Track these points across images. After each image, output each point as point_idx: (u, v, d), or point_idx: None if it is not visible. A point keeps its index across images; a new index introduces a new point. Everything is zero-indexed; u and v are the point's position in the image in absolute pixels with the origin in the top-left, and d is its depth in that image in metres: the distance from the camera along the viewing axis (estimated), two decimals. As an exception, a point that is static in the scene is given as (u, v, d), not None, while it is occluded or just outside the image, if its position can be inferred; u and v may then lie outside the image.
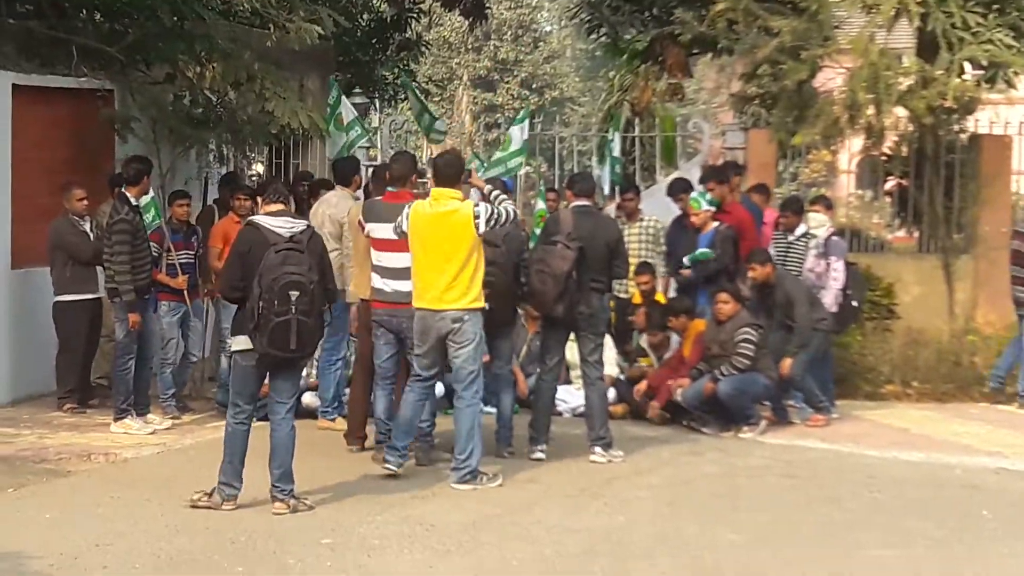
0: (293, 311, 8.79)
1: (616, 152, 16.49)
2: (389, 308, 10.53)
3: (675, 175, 16.92)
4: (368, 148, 16.84)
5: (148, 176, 12.28)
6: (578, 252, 10.61)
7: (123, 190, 12.03)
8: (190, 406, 12.86)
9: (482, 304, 10.02)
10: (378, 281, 10.57)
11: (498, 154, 16.12)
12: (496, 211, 9.97)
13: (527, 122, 16.28)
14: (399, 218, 10.11)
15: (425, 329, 10.00)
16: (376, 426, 10.93)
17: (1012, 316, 14.48)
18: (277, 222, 9.08)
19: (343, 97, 14.74)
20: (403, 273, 10.34)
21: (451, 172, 10.11)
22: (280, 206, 9.24)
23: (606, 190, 15.78)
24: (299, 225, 9.21)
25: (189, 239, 12.92)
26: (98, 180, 13.35)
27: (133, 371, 11.86)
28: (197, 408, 12.96)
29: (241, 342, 9.05)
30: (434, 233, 9.89)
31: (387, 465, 10.11)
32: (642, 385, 13.00)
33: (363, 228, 10.73)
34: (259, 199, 9.41)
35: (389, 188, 10.86)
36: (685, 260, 13.48)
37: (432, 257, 9.90)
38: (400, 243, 10.34)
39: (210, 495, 9.18)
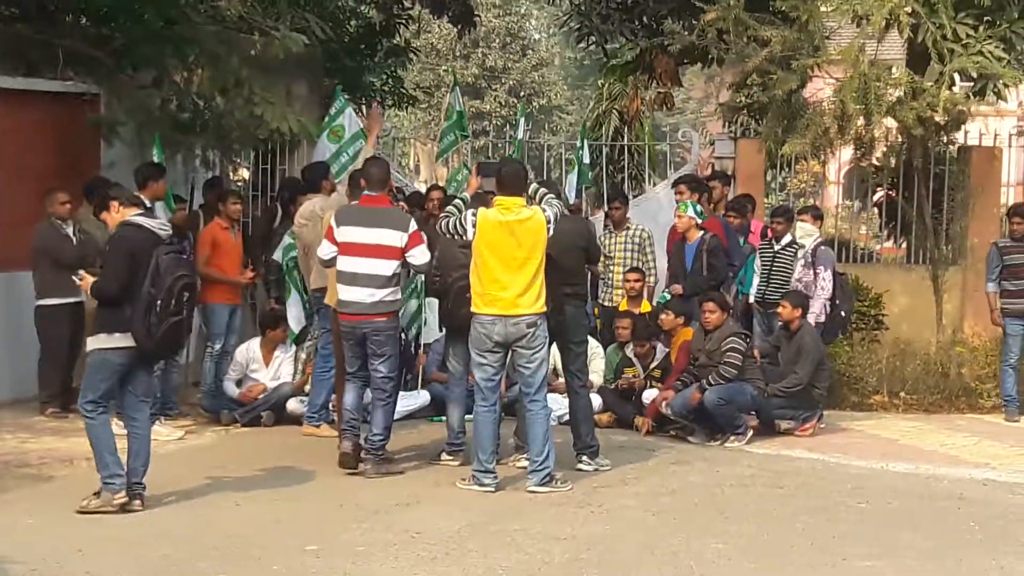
0: (184, 311, 9.06)
1: (586, 159, 16.43)
2: (352, 320, 10.50)
3: (663, 184, 16.95)
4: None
5: (155, 180, 12.23)
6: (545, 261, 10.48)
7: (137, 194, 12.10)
8: (175, 412, 12.78)
9: (546, 308, 10.18)
10: (344, 291, 10.49)
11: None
12: (556, 211, 10.22)
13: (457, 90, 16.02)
14: (455, 223, 10.23)
15: (491, 335, 10.09)
16: (342, 415, 10.82)
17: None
18: (155, 223, 9.24)
19: (349, 109, 14.55)
20: (364, 279, 10.37)
21: (517, 182, 10.26)
22: (139, 209, 9.30)
23: (571, 197, 15.68)
24: (168, 227, 9.42)
25: (182, 243, 12.88)
26: (84, 184, 13.31)
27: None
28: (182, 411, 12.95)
29: (118, 339, 9.01)
30: (507, 239, 10.05)
31: (485, 487, 10.06)
32: (667, 394, 12.83)
33: (333, 232, 10.56)
34: (114, 204, 9.28)
35: (367, 192, 10.77)
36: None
37: (506, 263, 10.04)
38: (362, 248, 10.37)
39: (98, 495, 9.17)
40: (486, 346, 10.15)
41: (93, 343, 9.13)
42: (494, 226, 10.07)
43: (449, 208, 10.63)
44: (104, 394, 9.18)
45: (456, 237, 10.37)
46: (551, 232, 10.12)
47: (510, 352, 10.24)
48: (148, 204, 11.95)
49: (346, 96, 15.85)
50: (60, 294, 12.68)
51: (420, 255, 10.50)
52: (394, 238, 10.41)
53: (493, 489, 10.04)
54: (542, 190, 10.45)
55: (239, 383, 13.02)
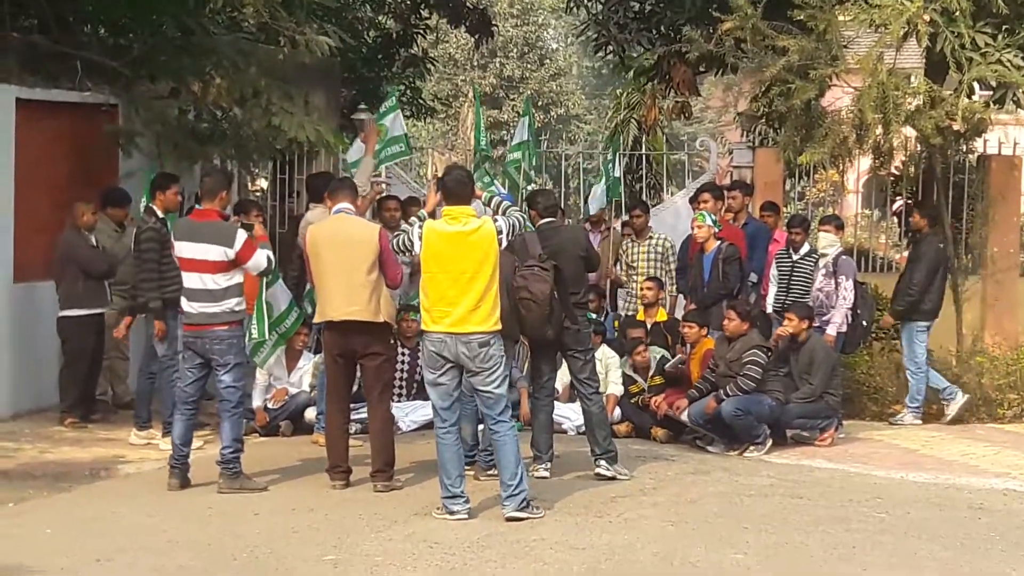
0: None
1: (618, 173, 16.33)
2: (193, 330, 10.35)
3: (681, 193, 16.93)
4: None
5: (163, 192, 12.20)
6: (553, 270, 10.30)
7: (150, 205, 12.09)
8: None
9: (500, 325, 9.68)
10: (185, 304, 10.37)
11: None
12: (511, 222, 9.74)
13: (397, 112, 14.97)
14: (404, 240, 9.81)
15: (441, 353, 9.53)
16: (173, 450, 10.47)
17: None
18: None
19: (398, 112, 14.38)
20: (197, 295, 10.25)
21: (463, 190, 9.69)
22: None
23: (593, 208, 15.64)
24: None
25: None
26: (101, 194, 13.39)
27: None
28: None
29: None
30: (455, 252, 9.49)
31: (456, 516, 9.45)
32: (659, 399, 12.96)
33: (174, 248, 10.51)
34: None
35: (198, 206, 10.74)
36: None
37: (454, 277, 9.46)
38: (192, 263, 10.24)
39: None
40: (438, 365, 9.58)
41: None
42: (440, 238, 9.53)
43: (404, 225, 10.14)
44: None
45: (406, 254, 9.99)
46: (503, 244, 9.64)
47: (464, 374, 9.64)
48: (160, 215, 12.02)
49: (363, 105, 15.79)
50: (85, 305, 12.77)
51: (256, 264, 10.41)
52: (215, 253, 10.21)
53: (466, 516, 9.49)
54: (505, 203, 10.05)
55: (266, 389, 13.12)
